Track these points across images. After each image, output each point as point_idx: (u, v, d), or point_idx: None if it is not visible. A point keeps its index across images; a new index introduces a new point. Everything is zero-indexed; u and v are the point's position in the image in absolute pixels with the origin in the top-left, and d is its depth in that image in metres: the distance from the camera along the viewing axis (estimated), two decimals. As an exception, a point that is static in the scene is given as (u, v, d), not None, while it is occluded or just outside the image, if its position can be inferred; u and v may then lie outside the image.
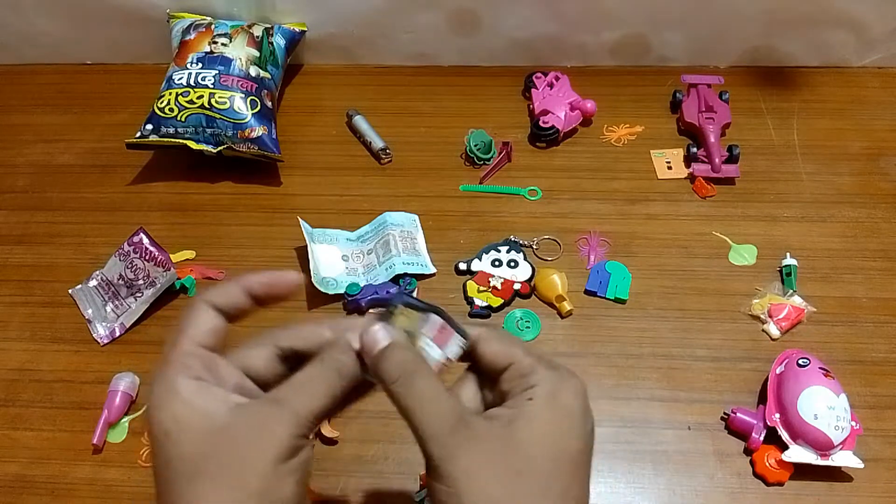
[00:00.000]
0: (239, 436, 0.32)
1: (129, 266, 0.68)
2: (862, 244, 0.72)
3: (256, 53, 0.80)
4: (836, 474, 0.57)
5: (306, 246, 0.69)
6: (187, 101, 0.76)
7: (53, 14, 0.87)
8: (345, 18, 0.86)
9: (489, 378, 0.37)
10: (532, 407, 0.33)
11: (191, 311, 0.37)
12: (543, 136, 0.80)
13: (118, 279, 0.68)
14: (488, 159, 0.79)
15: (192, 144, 0.77)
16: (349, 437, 0.60)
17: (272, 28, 0.83)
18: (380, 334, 0.35)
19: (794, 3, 0.81)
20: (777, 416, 0.57)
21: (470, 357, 0.37)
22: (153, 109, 0.77)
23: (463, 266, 0.71)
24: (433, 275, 0.70)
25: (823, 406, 0.55)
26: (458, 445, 0.32)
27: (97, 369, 0.65)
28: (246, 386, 0.36)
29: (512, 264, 0.70)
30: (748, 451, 0.58)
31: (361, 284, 0.68)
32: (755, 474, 0.57)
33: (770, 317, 0.65)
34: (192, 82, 0.77)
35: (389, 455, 0.59)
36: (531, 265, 0.70)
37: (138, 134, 0.77)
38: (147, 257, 0.67)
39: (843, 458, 0.55)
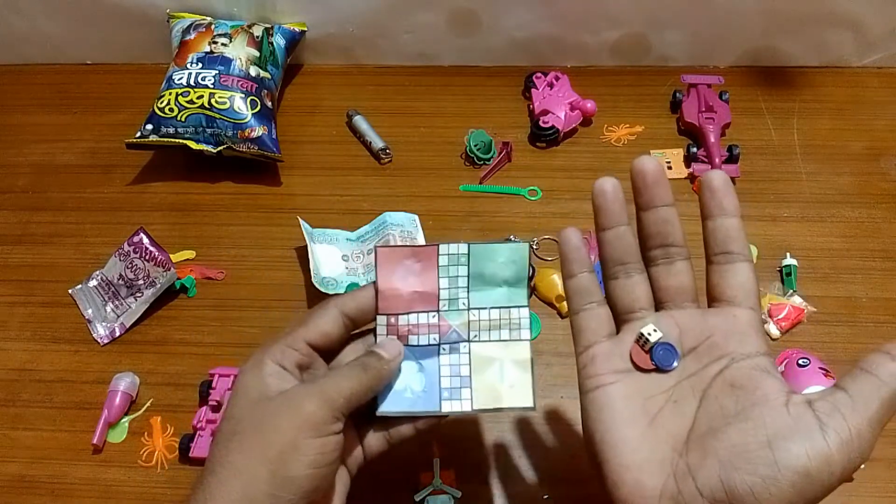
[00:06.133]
0: (275, 406, 0.38)
1: (129, 266, 0.68)
2: (862, 244, 0.72)
3: (256, 53, 0.80)
4: (836, 474, 0.57)
5: (306, 246, 0.69)
6: (187, 101, 0.76)
7: (53, 14, 0.87)
8: (345, 18, 0.86)
9: None
10: None
11: (319, 310, 0.43)
12: (543, 136, 0.80)
13: (118, 279, 0.68)
14: (488, 159, 0.79)
15: (192, 144, 0.77)
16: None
17: (272, 28, 0.83)
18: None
19: (794, 3, 0.81)
20: (777, 416, 0.57)
21: None
22: (153, 109, 0.77)
23: (463, 266, 0.71)
24: (433, 275, 0.70)
25: (823, 406, 0.55)
26: None
27: (97, 369, 0.65)
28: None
29: (512, 264, 0.70)
30: (748, 451, 0.58)
31: (361, 284, 0.68)
32: (755, 474, 0.57)
33: (770, 317, 0.65)
34: (192, 82, 0.77)
35: (389, 455, 0.58)
36: (531, 265, 0.70)
37: (138, 134, 0.77)
38: (147, 257, 0.67)
39: (843, 458, 0.55)
